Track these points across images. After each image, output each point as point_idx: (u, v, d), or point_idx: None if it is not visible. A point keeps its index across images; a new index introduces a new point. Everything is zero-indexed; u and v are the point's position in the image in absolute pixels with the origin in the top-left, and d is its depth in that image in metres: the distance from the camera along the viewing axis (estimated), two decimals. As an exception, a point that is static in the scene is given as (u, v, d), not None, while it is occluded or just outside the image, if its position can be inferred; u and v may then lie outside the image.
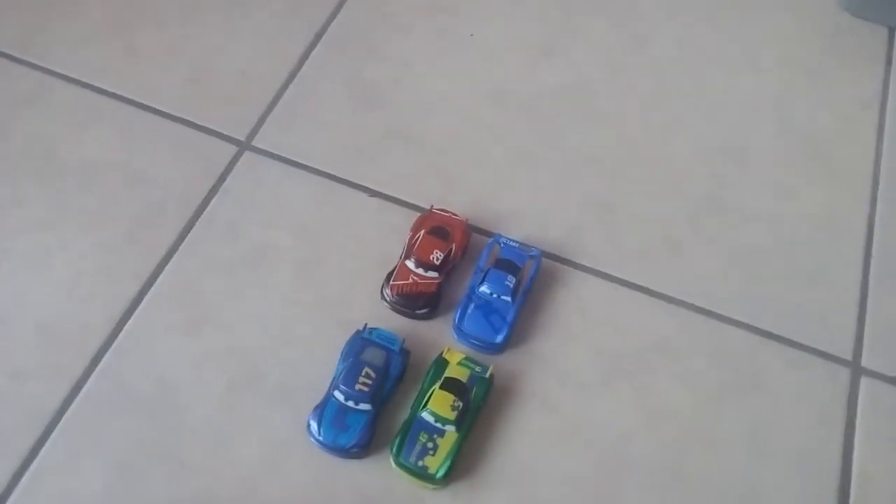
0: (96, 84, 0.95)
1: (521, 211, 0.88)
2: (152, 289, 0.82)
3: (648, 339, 0.81)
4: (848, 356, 0.81)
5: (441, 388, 0.74)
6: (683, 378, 0.79)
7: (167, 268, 0.83)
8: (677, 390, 0.79)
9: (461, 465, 0.73)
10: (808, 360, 0.81)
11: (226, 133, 0.92)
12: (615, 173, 0.91)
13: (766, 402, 0.78)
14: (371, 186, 0.89)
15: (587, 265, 0.85)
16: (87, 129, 0.92)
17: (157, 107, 0.93)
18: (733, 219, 0.89)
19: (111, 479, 0.73)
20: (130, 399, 0.76)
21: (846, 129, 0.96)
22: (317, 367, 0.77)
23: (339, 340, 0.78)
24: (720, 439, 0.77)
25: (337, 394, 0.74)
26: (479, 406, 0.75)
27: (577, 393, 0.78)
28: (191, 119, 0.93)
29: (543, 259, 0.83)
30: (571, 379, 0.79)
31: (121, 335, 0.79)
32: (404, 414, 0.75)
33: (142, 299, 0.81)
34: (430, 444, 0.72)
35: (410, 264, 0.81)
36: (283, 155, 0.91)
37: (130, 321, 0.80)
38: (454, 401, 0.73)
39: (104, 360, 0.78)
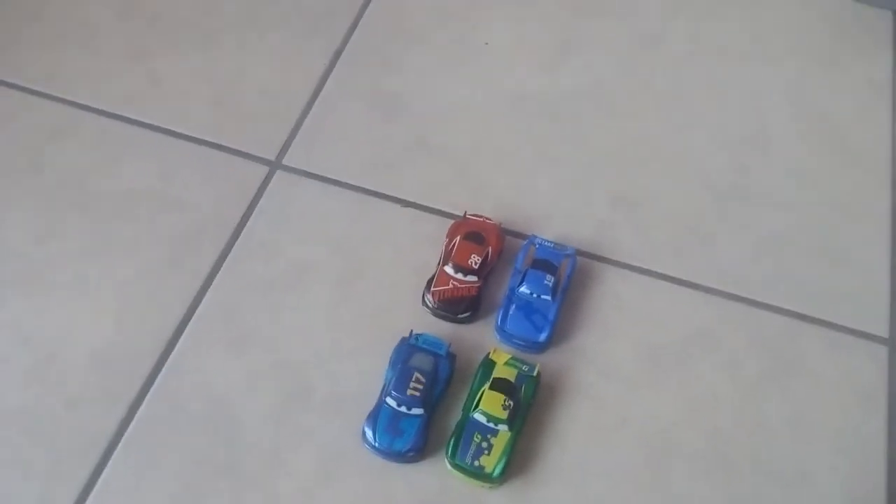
0: (123, 114, 0.97)
1: (549, 211, 0.90)
2: (198, 311, 0.83)
3: (687, 330, 0.83)
4: (884, 334, 0.82)
5: (491, 388, 0.75)
6: (724, 366, 0.81)
7: (210, 290, 0.84)
8: (719, 378, 0.80)
9: (515, 463, 0.75)
10: (845, 340, 0.82)
11: (256, 154, 0.93)
12: (638, 169, 0.93)
13: (807, 385, 0.80)
14: (401, 197, 0.91)
15: (621, 261, 0.87)
16: (118, 159, 0.93)
17: (185, 132, 0.95)
18: (759, 206, 0.90)
19: (174, 498, 0.74)
20: (186, 419, 0.77)
21: (861, 113, 0.97)
22: (364, 377, 0.79)
23: (384, 349, 0.79)
24: (765, 424, 0.78)
25: (389, 400, 0.75)
26: (529, 404, 0.76)
27: (621, 386, 0.80)
28: (220, 142, 0.94)
29: (578, 257, 0.85)
30: (615, 373, 0.80)
31: (171, 357, 0.80)
32: (455, 416, 0.77)
33: (188, 321, 0.82)
34: (484, 444, 0.74)
35: (449, 270, 0.83)
36: (314, 172, 0.92)
37: (179, 343, 0.81)
38: (505, 400, 0.74)
39: (157, 382, 0.79)
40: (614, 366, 0.81)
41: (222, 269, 0.86)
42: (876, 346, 0.82)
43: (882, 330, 0.83)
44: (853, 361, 0.81)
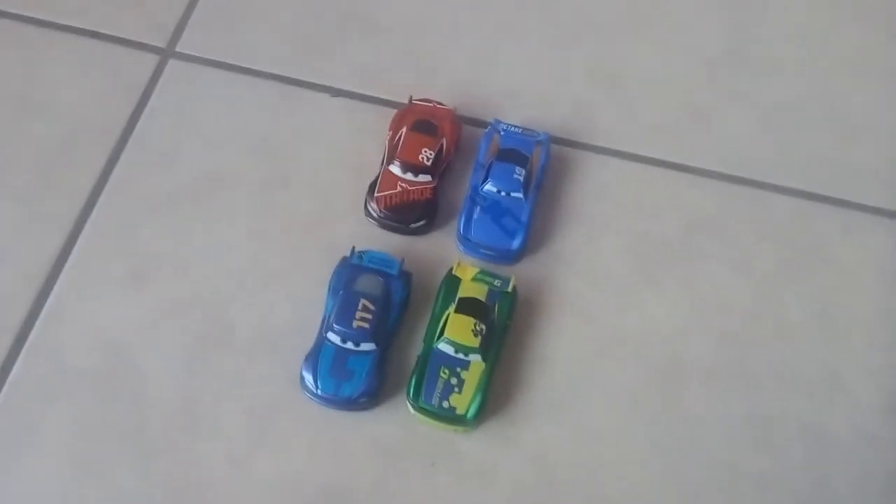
0: (-32, 1, 0.78)
1: (516, 92, 0.77)
2: (80, 239, 0.68)
3: (686, 221, 0.72)
4: (909, 209, 0.72)
5: (457, 311, 0.62)
6: (733, 259, 0.70)
7: (94, 211, 0.69)
8: (728, 274, 0.69)
9: (492, 400, 0.62)
10: (865, 219, 0.73)
11: (141, 41, 0.78)
12: (618, 37, 0.81)
13: (830, 274, 0.70)
14: (332, 85, 0.76)
15: (603, 146, 0.75)
16: (-34, 57, 0.75)
17: (51, 20, 0.78)
18: (758, 75, 0.79)
19: (63, 476, 0.59)
20: (73, 376, 0.63)
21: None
22: (300, 308, 0.65)
23: (322, 273, 0.65)
24: (783, 324, 0.67)
25: (331, 336, 0.61)
26: (506, 326, 0.64)
27: (614, 294, 0.68)
28: (95, 29, 0.78)
29: (552, 144, 0.72)
30: (605, 279, 0.68)
31: (49, 301, 0.65)
32: (416, 349, 0.63)
33: (68, 254, 0.67)
34: (453, 380, 0.61)
35: (396, 169, 0.68)
36: (218, 59, 0.77)
37: (58, 282, 0.66)
38: (475, 324, 0.61)
39: (33, 334, 0.64)
40: (603, 270, 0.69)
41: (108, 185, 0.70)
42: (901, 224, 0.71)
43: (908, 207, 0.72)
44: (876, 243, 0.71)
